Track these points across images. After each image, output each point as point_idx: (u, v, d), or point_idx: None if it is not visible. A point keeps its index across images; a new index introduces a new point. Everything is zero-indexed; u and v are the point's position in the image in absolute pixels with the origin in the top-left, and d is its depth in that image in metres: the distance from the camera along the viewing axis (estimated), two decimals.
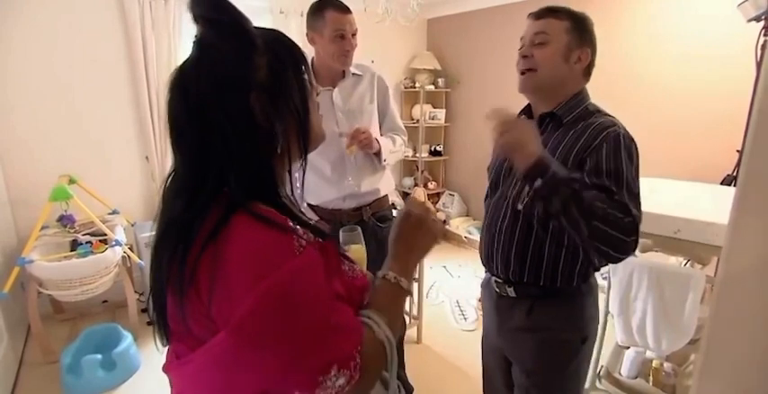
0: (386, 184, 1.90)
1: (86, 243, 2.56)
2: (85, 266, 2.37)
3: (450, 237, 4.47)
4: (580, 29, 1.12)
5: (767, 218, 0.51)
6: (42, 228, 2.51)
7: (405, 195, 4.64)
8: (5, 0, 2.58)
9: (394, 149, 1.83)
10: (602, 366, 2.11)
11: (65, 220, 2.64)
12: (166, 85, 0.63)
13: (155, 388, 2.20)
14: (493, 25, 3.93)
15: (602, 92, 3.35)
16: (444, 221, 4.36)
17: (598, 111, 1.15)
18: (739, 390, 0.57)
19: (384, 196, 1.90)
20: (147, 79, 3.00)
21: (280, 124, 0.63)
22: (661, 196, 1.98)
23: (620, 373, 2.09)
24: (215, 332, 0.57)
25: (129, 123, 3.09)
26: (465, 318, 2.97)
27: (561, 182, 0.94)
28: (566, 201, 0.93)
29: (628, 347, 2.08)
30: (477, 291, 2.59)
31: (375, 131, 1.81)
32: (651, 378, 2.01)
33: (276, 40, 0.66)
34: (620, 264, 1.83)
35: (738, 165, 2.23)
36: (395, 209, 2.68)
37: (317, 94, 0.73)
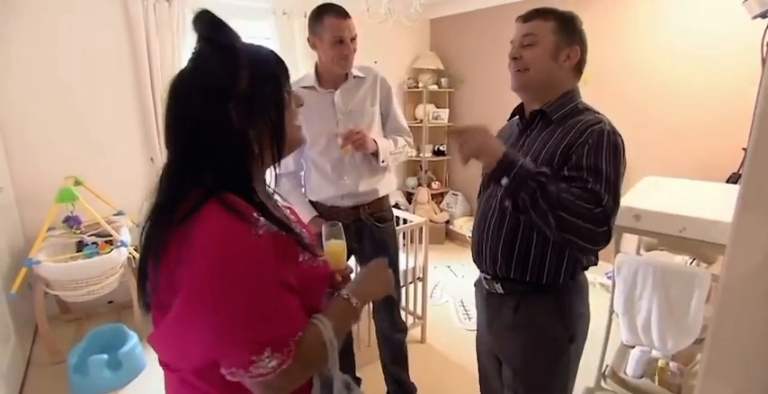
0: (386, 185, 1.91)
1: (92, 244, 2.58)
2: (91, 267, 2.38)
3: (453, 237, 4.47)
4: (567, 28, 1.14)
5: None
6: (49, 229, 2.53)
7: (408, 195, 4.65)
8: (8, 3, 2.61)
9: (395, 150, 1.84)
10: (607, 365, 2.10)
11: (71, 221, 2.66)
12: (166, 89, 0.72)
13: (160, 387, 2.21)
14: (495, 25, 3.93)
15: (606, 92, 3.36)
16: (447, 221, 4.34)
17: (587, 109, 1.16)
18: (744, 390, 0.57)
19: (383, 197, 1.91)
20: (152, 81, 3.02)
21: (254, 130, 0.72)
22: (666, 195, 1.97)
23: (625, 373, 2.08)
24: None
25: (134, 125, 3.11)
26: (469, 318, 2.97)
27: (528, 175, 0.96)
28: (532, 195, 0.96)
29: (633, 346, 2.08)
30: None
31: (376, 133, 1.82)
32: (657, 377, 2.00)
33: (260, 59, 0.75)
34: (624, 263, 1.82)
35: (744, 163, 2.21)
36: (398, 209, 2.69)
37: (300, 105, 0.83)
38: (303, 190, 1.92)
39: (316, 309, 0.79)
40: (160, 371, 0.80)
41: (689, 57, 2.78)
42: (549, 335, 1.19)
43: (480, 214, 1.28)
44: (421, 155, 4.42)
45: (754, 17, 2.08)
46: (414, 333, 2.69)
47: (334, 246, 1.05)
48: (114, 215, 2.91)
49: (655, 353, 2.07)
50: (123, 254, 2.50)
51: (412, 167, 4.75)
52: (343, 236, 1.06)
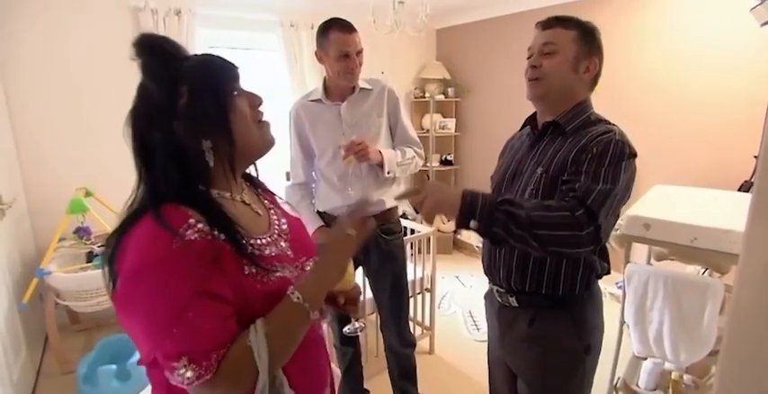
0: (393, 197, 1.90)
1: (102, 254, 2.60)
2: (101, 277, 2.38)
3: (461, 247, 4.44)
4: (588, 38, 1.12)
5: None
6: (60, 239, 2.56)
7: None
8: (20, 18, 2.67)
9: (402, 161, 1.83)
10: (618, 378, 2.06)
11: (81, 232, 2.68)
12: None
13: None
14: (502, 34, 3.95)
15: (615, 99, 3.35)
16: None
17: (600, 121, 1.15)
18: None
19: (391, 209, 1.90)
20: None
21: (206, 141, 0.74)
22: (677, 203, 1.95)
23: (637, 385, 2.04)
24: None
25: None
26: (478, 329, 2.94)
27: (493, 208, 0.96)
28: (504, 225, 0.95)
29: (645, 358, 2.04)
30: None
31: (383, 144, 1.82)
32: (670, 390, 1.96)
33: (196, 67, 0.75)
34: (635, 273, 1.80)
35: (756, 171, 2.19)
36: (406, 218, 2.69)
37: (259, 104, 0.82)
38: (313, 200, 1.93)
39: None
40: None
41: (699, 64, 2.78)
42: (565, 347, 1.17)
43: None
44: (428, 164, 4.42)
45: (763, 24, 2.07)
46: (422, 344, 2.66)
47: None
48: None
49: (668, 365, 2.02)
50: None
51: (419, 177, 4.74)
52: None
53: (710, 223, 1.64)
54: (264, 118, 0.83)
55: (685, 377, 1.96)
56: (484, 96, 4.27)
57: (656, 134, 2.94)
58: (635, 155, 1.06)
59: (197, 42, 3.11)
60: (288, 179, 2.09)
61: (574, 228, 0.94)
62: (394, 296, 1.96)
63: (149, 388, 0.84)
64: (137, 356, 2.47)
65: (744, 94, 2.58)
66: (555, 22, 1.12)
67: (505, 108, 3.93)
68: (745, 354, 0.55)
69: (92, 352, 2.36)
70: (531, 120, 1.26)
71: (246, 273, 0.73)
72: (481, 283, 3.73)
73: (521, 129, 1.33)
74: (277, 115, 3.57)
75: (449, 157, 4.58)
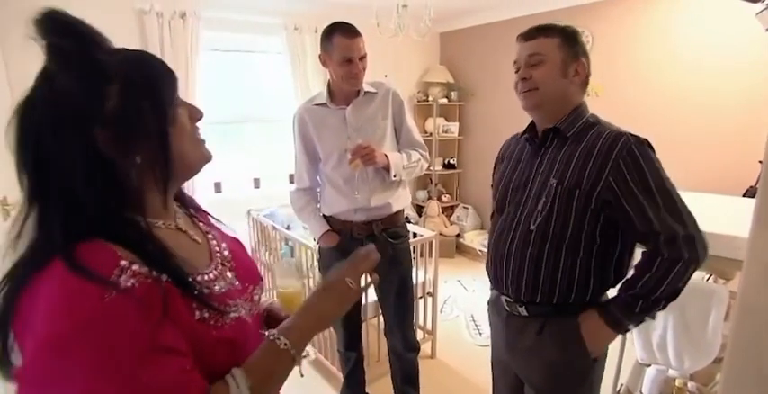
0: (400, 200, 1.89)
1: None
2: None
3: (464, 251, 4.43)
4: (571, 42, 1.12)
5: None
6: None
7: (419, 208, 4.64)
8: (23, 23, 2.68)
9: (408, 164, 1.83)
10: (621, 385, 2.05)
11: None
12: (10, 120, 0.56)
13: None
14: (505, 38, 3.94)
15: (618, 103, 3.34)
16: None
17: (598, 123, 1.15)
18: None
19: (397, 212, 1.89)
20: None
21: (135, 155, 0.59)
22: None
23: (641, 392, 2.02)
24: None
25: None
26: (480, 333, 2.92)
27: (636, 316, 1.10)
28: (653, 314, 1.12)
29: (648, 365, 2.02)
30: None
31: (389, 147, 1.82)
32: None
33: (132, 65, 0.61)
34: None
35: (760, 177, 2.17)
36: (408, 222, 2.68)
37: (199, 118, 0.69)
38: (318, 205, 1.93)
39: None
40: None
41: (702, 68, 2.77)
42: (574, 355, 1.16)
43: (497, 237, 1.25)
44: (431, 168, 4.42)
45: None
46: (424, 348, 2.64)
47: (287, 290, 0.88)
48: None
49: (671, 372, 2.00)
50: None
51: (422, 180, 4.74)
52: (298, 275, 0.97)
53: (715, 229, 1.62)
54: (201, 135, 0.69)
55: (689, 384, 1.94)
56: (487, 100, 4.26)
57: (659, 138, 2.90)
58: (652, 147, 1.09)
59: (203, 47, 3.12)
60: (291, 182, 2.09)
61: (689, 266, 1.06)
62: (399, 300, 1.95)
63: None
64: None
65: (749, 98, 2.57)
66: (536, 33, 1.13)
67: (508, 112, 3.92)
68: (749, 361, 0.54)
69: None
70: (531, 128, 1.26)
71: (198, 317, 0.61)
72: (483, 288, 3.72)
73: (519, 137, 1.32)
74: (280, 118, 3.59)
75: (452, 161, 4.58)
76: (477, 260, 4.20)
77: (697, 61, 2.78)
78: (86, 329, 0.50)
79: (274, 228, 2.94)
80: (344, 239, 1.85)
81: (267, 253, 3.19)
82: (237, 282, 0.73)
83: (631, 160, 1.03)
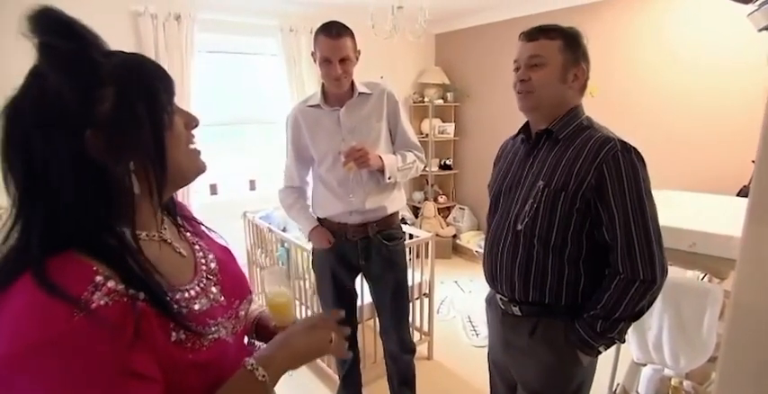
0: (395, 202, 1.88)
1: None
2: None
3: (460, 252, 4.43)
4: (573, 46, 1.12)
5: None
6: None
7: (415, 209, 4.64)
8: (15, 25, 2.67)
9: (403, 166, 1.81)
10: (618, 384, 2.05)
11: None
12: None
13: None
14: (500, 39, 3.96)
15: (613, 104, 3.35)
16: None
17: (591, 126, 1.15)
18: None
19: (392, 214, 1.88)
20: None
21: (128, 161, 0.57)
22: (675, 209, 1.94)
23: (637, 392, 2.02)
24: None
25: None
26: (477, 334, 2.92)
27: (602, 337, 1.10)
28: (620, 333, 1.12)
29: (644, 364, 2.03)
30: None
31: (383, 149, 1.81)
32: None
33: (128, 68, 0.59)
34: None
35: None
36: (405, 223, 2.68)
37: (194, 126, 0.67)
38: (307, 202, 1.92)
39: None
40: None
41: (697, 68, 2.78)
42: (566, 355, 1.17)
43: (492, 237, 1.26)
44: (427, 169, 4.42)
45: (760, 30, 2.07)
46: (420, 349, 2.64)
47: (276, 299, 0.85)
48: None
49: (667, 371, 2.01)
50: None
51: (418, 181, 4.74)
52: (288, 283, 0.96)
53: (709, 228, 1.64)
54: (196, 144, 0.67)
55: (685, 383, 1.95)
56: (483, 101, 4.27)
57: (654, 138, 2.94)
58: (639, 155, 1.07)
59: (197, 49, 3.12)
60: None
61: (647, 288, 1.06)
62: (395, 302, 1.95)
63: None
64: None
65: (743, 97, 2.59)
66: (539, 34, 1.12)
67: (504, 112, 3.93)
68: (744, 359, 0.54)
69: None
70: (525, 128, 1.26)
71: (174, 339, 0.58)
72: (480, 288, 3.72)
73: (515, 137, 1.33)
74: (276, 120, 3.58)
75: (448, 162, 4.58)
76: (474, 261, 4.20)
77: (692, 61, 2.80)
78: (50, 349, 0.46)
79: (270, 230, 2.93)
80: (339, 241, 1.85)
81: (263, 255, 3.18)
82: (222, 298, 0.70)
83: (614, 166, 1.04)
